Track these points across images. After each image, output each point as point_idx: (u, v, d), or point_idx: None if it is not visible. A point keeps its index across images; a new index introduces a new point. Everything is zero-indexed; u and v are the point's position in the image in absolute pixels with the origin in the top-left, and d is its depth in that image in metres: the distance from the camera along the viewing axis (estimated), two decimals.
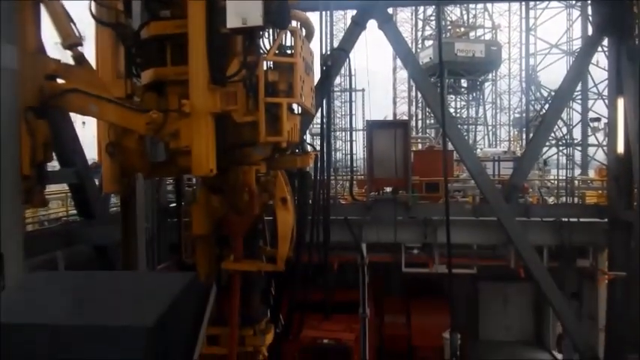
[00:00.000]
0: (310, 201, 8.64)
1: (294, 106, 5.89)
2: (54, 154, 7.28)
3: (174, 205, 13.78)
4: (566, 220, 12.66)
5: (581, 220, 12.72)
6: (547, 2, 23.76)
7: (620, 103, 11.80)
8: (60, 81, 5.67)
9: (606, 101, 13.78)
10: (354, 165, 18.53)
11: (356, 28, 12.20)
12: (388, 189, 14.79)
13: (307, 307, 9.21)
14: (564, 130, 18.99)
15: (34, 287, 1.92)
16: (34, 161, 5.29)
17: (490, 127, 34.61)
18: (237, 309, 5.51)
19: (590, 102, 21.30)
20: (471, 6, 31.89)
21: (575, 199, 13.95)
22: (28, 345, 1.49)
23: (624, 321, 11.58)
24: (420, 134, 28.91)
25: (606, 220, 12.44)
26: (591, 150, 21.31)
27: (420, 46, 33.22)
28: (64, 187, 11.63)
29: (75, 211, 11.48)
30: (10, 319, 1.60)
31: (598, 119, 20.32)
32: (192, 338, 1.96)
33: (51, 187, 12.68)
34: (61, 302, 1.75)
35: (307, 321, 10.70)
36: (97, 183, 10.31)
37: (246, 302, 5.89)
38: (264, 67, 5.30)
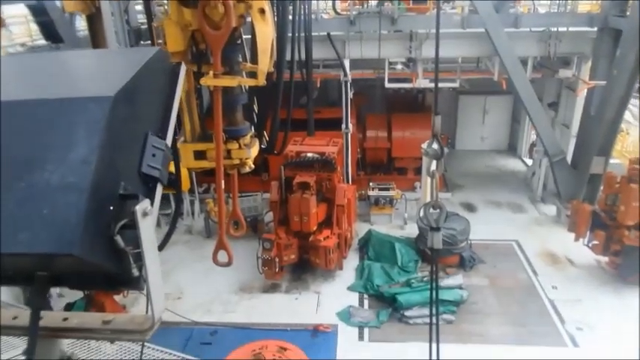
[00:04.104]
0: (290, 15, 8.12)
1: None
2: None
3: (146, 26, 13.01)
4: (554, 29, 12.34)
5: (570, 29, 12.40)
6: None
7: None
8: None
9: None
10: None
11: None
12: (373, 2, 13.92)
13: (291, 125, 9.37)
14: None
15: None
16: None
17: None
18: (221, 124, 5.56)
19: None
20: None
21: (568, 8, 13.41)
22: None
23: (596, 127, 12.16)
24: None
25: (595, 29, 12.16)
26: None
27: None
28: (25, 12, 10.74)
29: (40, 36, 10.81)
30: None
31: None
32: (164, 117, 1.93)
33: (10, 11, 11.68)
34: (14, 80, 1.67)
35: (291, 137, 11.00)
36: (58, 4, 9.49)
37: (229, 118, 5.94)
38: None
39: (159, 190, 1.80)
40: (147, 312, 1.62)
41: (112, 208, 1.54)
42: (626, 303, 10.24)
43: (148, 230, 1.55)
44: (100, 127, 1.49)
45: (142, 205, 1.52)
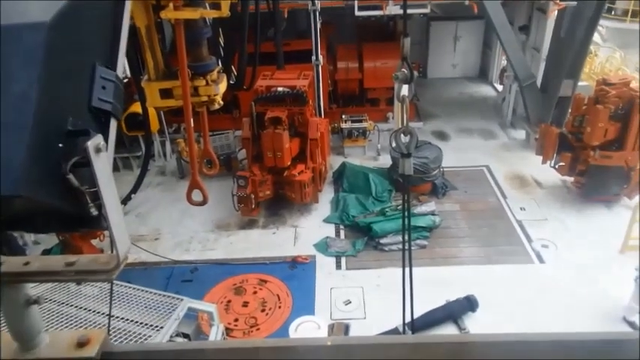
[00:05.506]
0: None
1: None
2: None
3: None
4: None
5: None
6: None
7: None
8: None
9: None
10: None
11: None
12: None
13: (259, 59, 9.07)
14: None
15: None
16: None
17: None
18: (186, 60, 5.34)
19: None
20: None
21: None
22: None
23: (565, 49, 12.16)
24: None
25: None
26: None
27: None
28: None
29: None
30: None
31: None
32: (112, 46, 1.80)
33: None
34: None
35: (260, 72, 10.69)
36: None
37: (194, 53, 5.70)
38: None
39: (113, 125, 1.71)
40: (112, 251, 1.59)
41: (61, 145, 1.46)
42: (588, 220, 10.76)
43: (103, 167, 1.47)
44: (38, 57, 1.37)
45: (95, 141, 1.44)
